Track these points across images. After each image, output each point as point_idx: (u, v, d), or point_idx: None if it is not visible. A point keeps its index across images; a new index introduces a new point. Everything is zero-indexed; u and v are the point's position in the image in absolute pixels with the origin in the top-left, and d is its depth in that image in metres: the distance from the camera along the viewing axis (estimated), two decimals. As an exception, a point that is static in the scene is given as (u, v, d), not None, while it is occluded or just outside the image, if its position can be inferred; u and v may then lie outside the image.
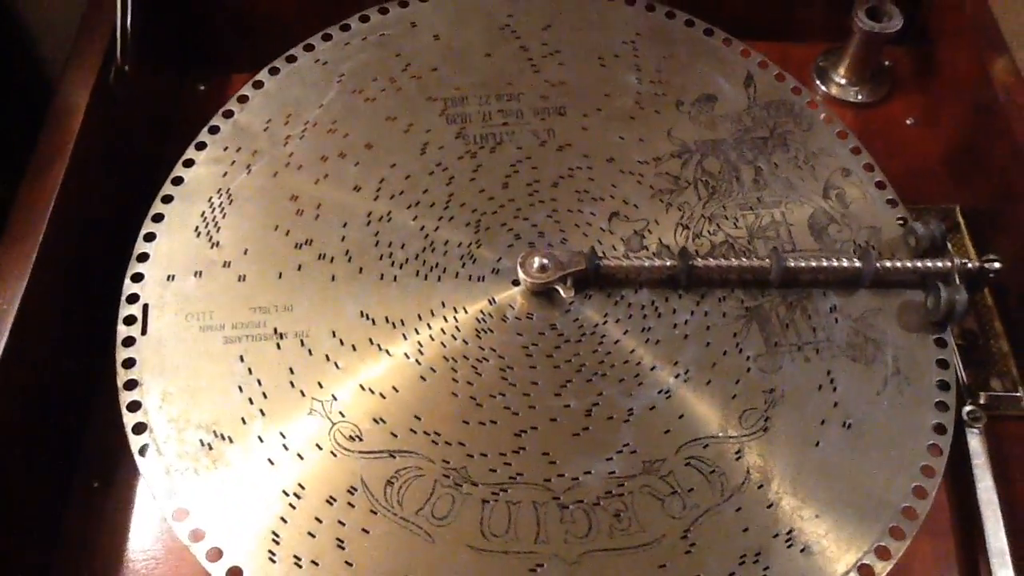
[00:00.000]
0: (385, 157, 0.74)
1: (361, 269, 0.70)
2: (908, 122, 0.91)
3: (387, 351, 0.66)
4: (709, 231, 0.72)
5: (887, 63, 0.94)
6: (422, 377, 0.66)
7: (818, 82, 0.93)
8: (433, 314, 0.68)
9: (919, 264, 0.70)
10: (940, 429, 0.65)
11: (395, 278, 0.69)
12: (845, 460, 0.64)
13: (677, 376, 0.66)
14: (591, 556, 0.60)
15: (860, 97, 0.92)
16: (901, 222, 0.73)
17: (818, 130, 0.77)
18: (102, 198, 0.77)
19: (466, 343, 0.67)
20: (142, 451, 0.64)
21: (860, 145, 0.76)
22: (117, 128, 0.79)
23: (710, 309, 0.69)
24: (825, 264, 0.70)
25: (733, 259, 0.69)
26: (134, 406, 0.65)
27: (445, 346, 0.67)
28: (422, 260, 0.70)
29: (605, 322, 0.68)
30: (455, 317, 0.68)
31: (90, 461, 0.71)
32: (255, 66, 0.77)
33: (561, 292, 0.68)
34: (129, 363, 0.66)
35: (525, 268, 0.68)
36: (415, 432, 0.64)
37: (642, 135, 0.76)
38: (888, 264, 0.70)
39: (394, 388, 0.65)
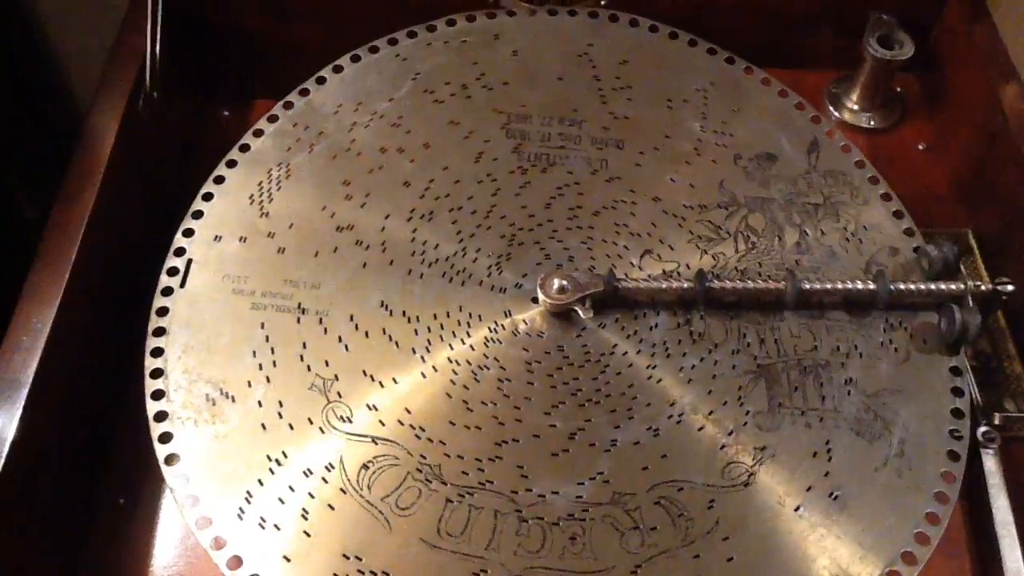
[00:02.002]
0: (440, 159, 0.77)
1: (392, 261, 0.72)
2: (919, 147, 0.92)
3: (396, 343, 0.69)
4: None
5: (898, 89, 0.95)
6: (422, 374, 0.68)
7: (831, 108, 0.94)
8: (448, 316, 0.70)
9: (933, 287, 0.71)
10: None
11: (421, 275, 0.71)
12: (821, 531, 0.64)
13: (670, 417, 0.67)
14: (535, 572, 0.61)
15: (872, 123, 0.94)
16: (915, 249, 0.74)
17: (874, 206, 0.77)
18: (131, 220, 0.80)
19: (472, 349, 0.69)
20: (155, 395, 0.67)
21: (914, 227, 0.76)
22: (145, 152, 0.82)
23: (721, 359, 0.69)
24: (840, 287, 0.71)
25: (749, 281, 0.70)
26: (157, 352, 0.68)
27: (452, 348, 0.69)
28: (451, 263, 0.72)
29: (612, 352, 0.69)
30: (468, 323, 0.70)
31: (116, 478, 0.73)
32: (277, 92, 0.80)
33: (580, 313, 0.69)
34: (163, 311, 0.70)
35: (545, 289, 0.69)
36: (402, 424, 0.66)
37: (693, 181, 0.76)
38: (902, 286, 0.71)
39: (393, 379, 0.68)
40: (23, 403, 0.64)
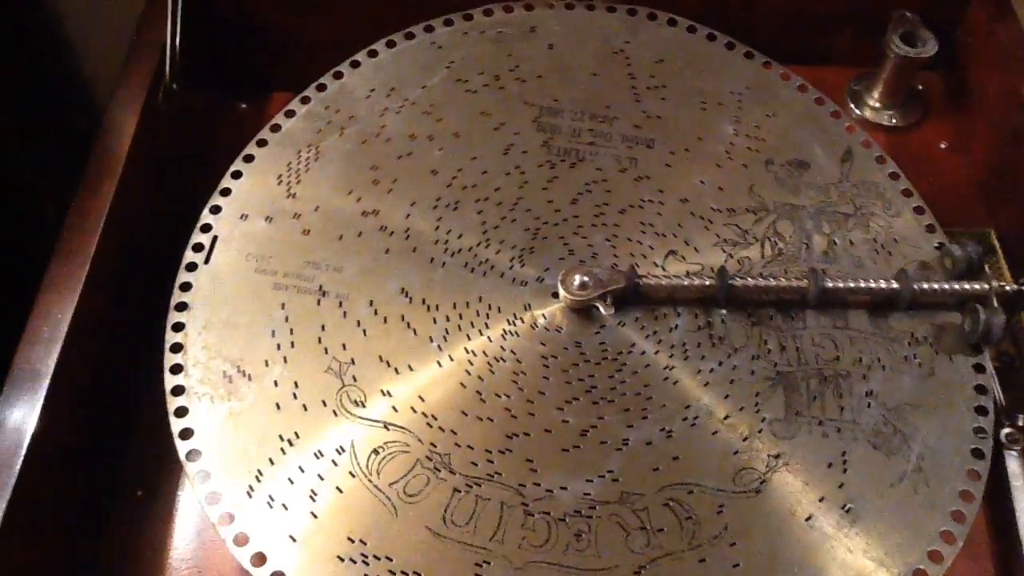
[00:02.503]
0: (469, 149, 0.77)
1: (415, 249, 0.72)
2: (941, 146, 0.92)
3: (414, 331, 0.69)
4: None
5: (920, 88, 0.94)
6: (438, 363, 0.68)
7: (852, 105, 0.93)
8: (468, 306, 0.70)
9: (956, 286, 0.70)
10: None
11: (443, 264, 0.71)
12: (832, 542, 0.63)
13: (685, 419, 0.66)
14: (537, 566, 0.61)
15: (894, 121, 0.93)
16: (938, 247, 0.74)
17: (906, 219, 0.76)
18: (149, 212, 0.80)
19: (490, 341, 0.69)
20: (173, 369, 0.67)
21: (946, 241, 0.75)
22: (164, 145, 0.82)
23: (740, 364, 0.69)
24: (863, 285, 0.70)
25: (772, 279, 0.70)
26: (178, 327, 0.69)
27: (469, 339, 0.69)
28: (474, 253, 0.72)
29: (630, 351, 0.69)
30: (487, 314, 0.70)
31: (134, 470, 0.73)
32: (295, 85, 0.79)
33: (601, 309, 0.69)
34: (186, 287, 0.70)
35: (566, 285, 0.69)
36: (414, 411, 0.66)
37: (723, 184, 0.76)
38: (925, 286, 0.70)
39: (409, 367, 0.67)
40: (44, 394, 0.64)
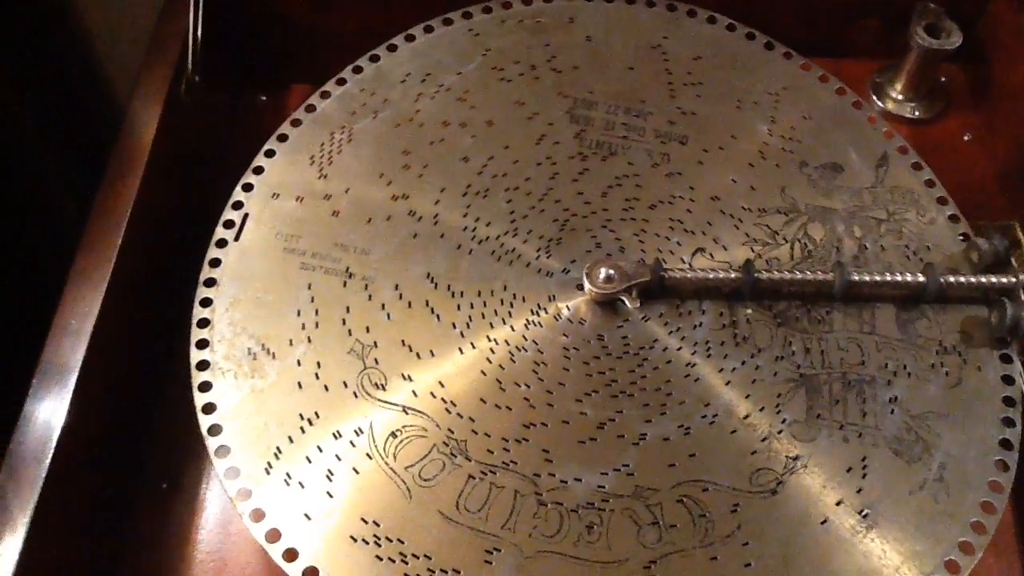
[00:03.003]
0: (501, 137, 0.77)
1: (442, 235, 0.72)
2: (965, 138, 0.91)
3: (437, 316, 0.69)
4: (790, 289, 0.71)
5: (943, 79, 0.94)
6: (460, 349, 0.68)
7: (874, 98, 0.93)
8: (492, 295, 0.70)
9: (983, 280, 0.70)
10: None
11: (470, 251, 0.71)
12: (847, 547, 0.63)
13: (704, 416, 0.66)
14: (548, 556, 0.61)
15: (916, 113, 0.93)
16: (963, 237, 0.73)
17: (940, 226, 0.75)
18: (172, 204, 0.80)
19: (512, 330, 0.69)
20: (199, 344, 0.68)
21: (972, 235, 0.75)
22: (186, 137, 0.83)
23: (763, 364, 0.68)
24: (889, 279, 0.70)
25: (797, 272, 0.70)
26: (206, 302, 0.69)
27: (492, 327, 0.69)
28: (501, 242, 0.72)
29: (652, 347, 0.68)
30: (511, 303, 0.70)
31: (160, 463, 0.74)
32: (314, 78, 0.79)
33: (627, 303, 0.69)
34: (215, 263, 0.71)
35: (591, 278, 0.69)
36: (434, 396, 0.66)
37: (755, 184, 0.75)
38: (952, 279, 0.70)
39: (431, 352, 0.68)
40: (72, 388, 0.65)
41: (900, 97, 0.93)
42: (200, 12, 0.82)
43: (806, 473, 0.65)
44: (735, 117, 0.79)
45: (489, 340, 0.68)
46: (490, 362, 0.68)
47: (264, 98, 0.95)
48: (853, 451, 0.66)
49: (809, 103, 0.80)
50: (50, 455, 0.62)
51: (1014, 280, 0.70)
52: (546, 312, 0.70)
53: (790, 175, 0.77)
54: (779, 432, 0.66)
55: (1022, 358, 0.71)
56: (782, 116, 0.79)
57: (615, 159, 0.76)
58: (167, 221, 0.79)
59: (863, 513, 0.63)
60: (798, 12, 0.94)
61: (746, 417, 0.66)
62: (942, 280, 0.70)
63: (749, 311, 0.70)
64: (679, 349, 0.69)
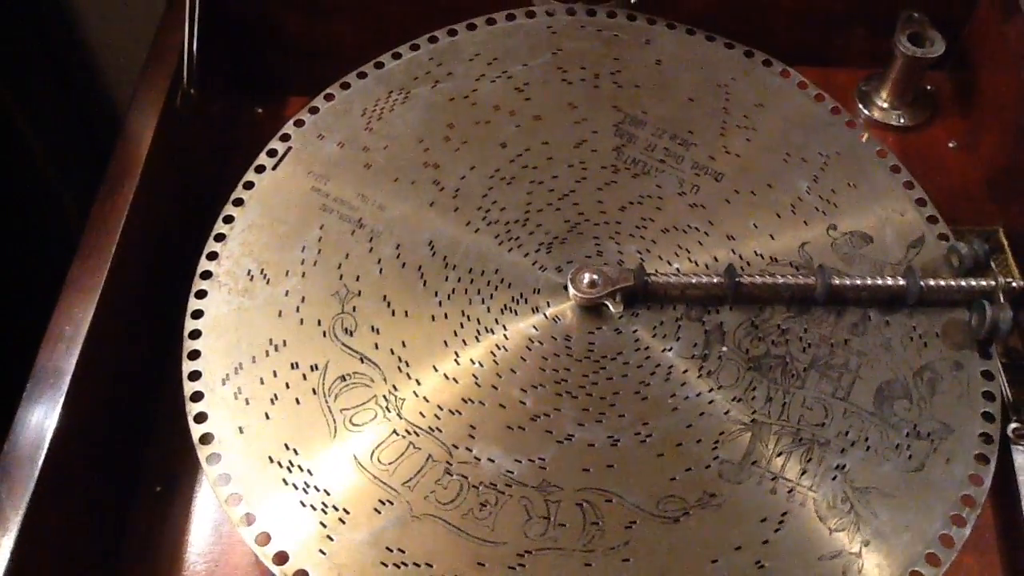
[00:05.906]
0: (543, 133, 0.79)
1: (457, 208, 0.75)
2: (950, 145, 0.92)
3: (425, 281, 0.72)
4: (775, 340, 0.71)
5: (929, 87, 0.94)
6: (432, 316, 0.71)
7: (860, 106, 0.94)
8: (482, 274, 0.72)
9: (963, 283, 0.71)
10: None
11: (477, 230, 0.74)
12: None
13: (637, 434, 0.67)
14: (433, 520, 0.63)
15: (902, 121, 0.94)
16: (944, 239, 0.74)
17: (958, 316, 0.74)
18: (168, 214, 0.82)
19: (488, 311, 0.71)
20: (210, 256, 0.73)
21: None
22: (183, 148, 0.84)
23: (717, 400, 0.68)
24: (870, 283, 0.71)
25: (779, 276, 0.71)
26: (228, 219, 0.74)
27: (471, 303, 0.71)
28: (508, 228, 0.74)
29: (615, 358, 0.70)
30: (496, 286, 0.72)
31: (154, 466, 0.75)
32: (311, 90, 0.80)
33: (611, 307, 0.70)
34: (248, 185, 0.75)
35: (575, 283, 0.71)
36: (392, 353, 0.69)
37: (775, 233, 0.76)
38: (932, 283, 0.71)
39: (405, 312, 0.71)
40: (65, 392, 0.66)
41: (886, 105, 0.95)
42: (196, 24, 0.84)
43: (717, 511, 0.65)
44: (778, 168, 0.79)
45: (463, 315, 0.71)
46: (456, 335, 0.70)
47: (260, 110, 0.97)
48: (776, 504, 0.65)
49: (859, 173, 0.79)
50: (42, 458, 0.63)
51: (994, 283, 0.71)
52: (526, 303, 0.72)
53: (814, 233, 0.76)
54: (707, 467, 0.66)
55: (1003, 359, 0.73)
56: (826, 177, 0.79)
57: (645, 179, 0.78)
58: (162, 230, 0.80)
59: (759, 564, 0.63)
60: (784, 21, 0.95)
61: (679, 445, 0.67)
62: (923, 284, 0.71)
63: (725, 348, 0.71)
64: (639, 367, 0.70)
